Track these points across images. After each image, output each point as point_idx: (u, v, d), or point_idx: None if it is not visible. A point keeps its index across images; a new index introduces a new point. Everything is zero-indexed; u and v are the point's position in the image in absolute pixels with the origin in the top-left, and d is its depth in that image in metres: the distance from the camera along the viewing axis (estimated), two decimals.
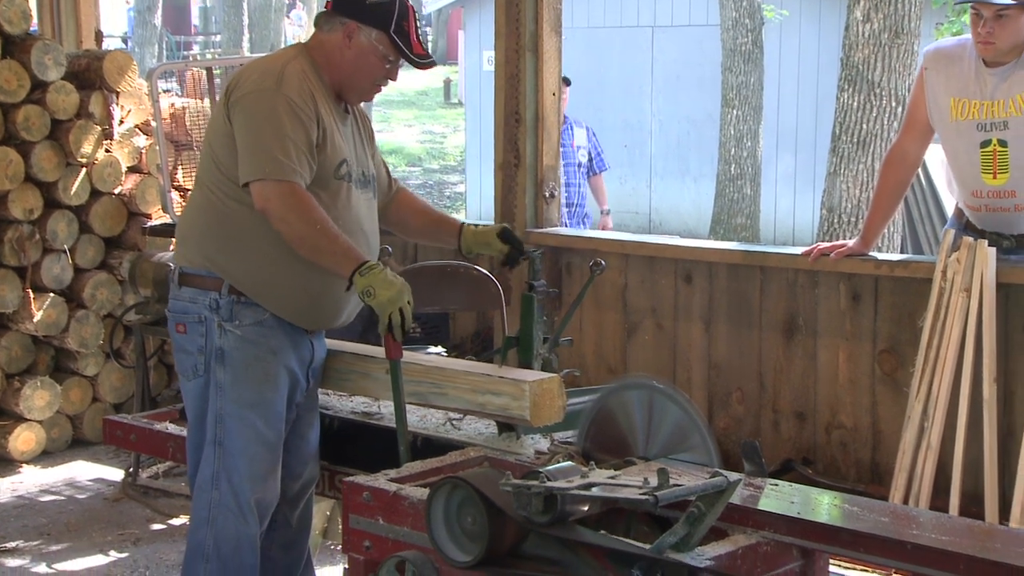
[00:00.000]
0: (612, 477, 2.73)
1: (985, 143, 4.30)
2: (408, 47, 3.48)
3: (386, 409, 3.74)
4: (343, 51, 3.49)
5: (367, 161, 3.66)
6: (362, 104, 3.72)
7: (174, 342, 3.56)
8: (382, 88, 3.62)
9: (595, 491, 2.64)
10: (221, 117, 3.47)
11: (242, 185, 3.38)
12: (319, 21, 3.56)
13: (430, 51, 3.62)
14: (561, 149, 7.67)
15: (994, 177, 4.31)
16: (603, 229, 7.80)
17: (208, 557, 3.45)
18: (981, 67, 4.29)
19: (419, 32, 3.56)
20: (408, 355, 3.51)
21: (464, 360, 3.69)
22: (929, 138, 4.55)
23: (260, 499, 3.47)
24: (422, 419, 3.68)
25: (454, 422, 3.62)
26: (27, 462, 6.00)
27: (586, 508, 2.69)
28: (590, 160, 8.07)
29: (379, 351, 3.52)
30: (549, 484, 2.61)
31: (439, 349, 4.02)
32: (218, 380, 3.45)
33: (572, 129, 7.94)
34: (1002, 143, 4.26)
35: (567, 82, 8.08)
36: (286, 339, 3.49)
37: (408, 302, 3.32)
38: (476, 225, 3.76)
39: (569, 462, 2.81)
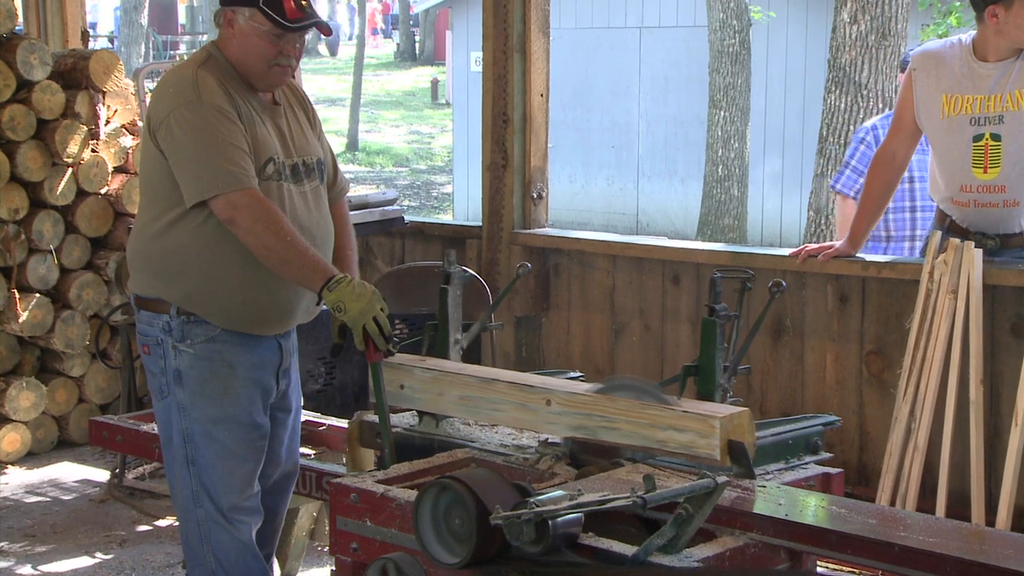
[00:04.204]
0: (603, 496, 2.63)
1: (977, 137, 4.31)
2: (282, 15, 3.35)
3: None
4: (231, 41, 3.42)
5: (309, 148, 3.55)
6: (307, 90, 3.63)
7: (144, 364, 3.57)
8: (288, 67, 3.44)
9: (584, 509, 2.57)
10: (148, 141, 3.41)
11: (191, 206, 3.32)
12: (215, 18, 3.50)
13: (309, 13, 3.39)
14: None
15: (985, 171, 4.32)
16: None
17: (215, 573, 3.47)
18: (976, 63, 4.30)
19: None
20: (572, 384, 3.28)
21: None
22: (917, 139, 4.57)
23: (242, 506, 3.48)
24: None
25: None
26: (12, 463, 5.98)
27: (579, 531, 2.64)
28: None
29: (535, 379, 3.34)
30: (539, 510, 2.54)
31: (577, 373, 3.70)
32: (179, 400, 3.45)
33: None
34: (995, 137, 4.28)
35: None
36: (243, 349, 3.45)
37: (381, 308, 3.29)
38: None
39: (559, 491, 2.71)
